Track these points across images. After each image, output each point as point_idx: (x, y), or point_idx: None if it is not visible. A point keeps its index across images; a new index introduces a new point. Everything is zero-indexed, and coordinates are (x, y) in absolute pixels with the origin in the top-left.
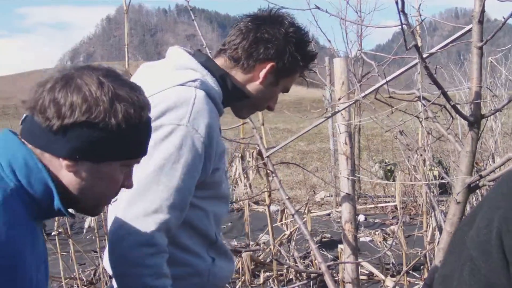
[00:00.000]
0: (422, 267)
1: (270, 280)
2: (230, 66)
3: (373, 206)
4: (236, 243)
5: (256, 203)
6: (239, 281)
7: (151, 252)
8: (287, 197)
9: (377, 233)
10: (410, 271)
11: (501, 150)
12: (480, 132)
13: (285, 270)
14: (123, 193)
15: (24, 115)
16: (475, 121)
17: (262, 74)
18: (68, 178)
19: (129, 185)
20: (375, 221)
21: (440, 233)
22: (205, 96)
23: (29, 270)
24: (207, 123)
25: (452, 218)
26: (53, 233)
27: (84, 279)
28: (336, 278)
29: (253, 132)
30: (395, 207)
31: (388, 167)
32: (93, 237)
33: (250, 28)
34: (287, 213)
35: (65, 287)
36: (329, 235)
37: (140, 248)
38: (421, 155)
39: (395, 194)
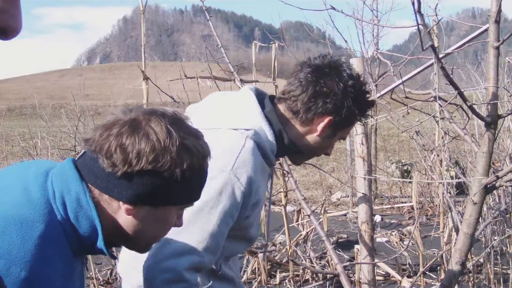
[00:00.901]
0: (438, 267)
1: (286, 281)
2: (289, 116)
3: (389, 206)
4: None
5: (273, 203)
6: (255, 281)
7: (182, 287)
8: (303, 198)
9: (393, 233)
10: (427, 272)
11: None
12: (497, 132)
13: (301, 271)
14: None
15: (83, 151)
16: (492, 122)
17: (320, 127)
18: (125, 219)
19: (179, 225)
20: (392, 222)
21: (457, 234)
22: (254, 147)
23: None
24: (249, 174)
25: (468, 219)
26: None
27: (101, 279)
28: (352, 279)
29: None
30: (412, 207)
31: (405, 167)
32: None
33: (309, 81)
34: (303, 213)
35: None
36: (345, 236)
37: (171, 285)
38: (437, 155)
39: (411, 194)
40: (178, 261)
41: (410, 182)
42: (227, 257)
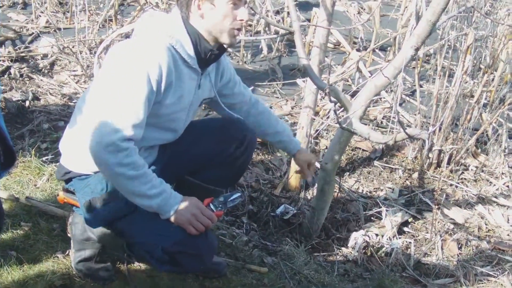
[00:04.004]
0: (388, 48)
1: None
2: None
3: None
4: None
5: None
6: None
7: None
8: None
9: (353, 5)
10: (377, 50)
11: None
12: None
13: (255, 21)
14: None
15: None
16: None
17: (200, 11)
18: None
19: None
20: None
21: (417, 20)
22: (170, 48)
23: None
24: (161, 65)
25: (435, 7)
26: None
27: None
28: (303, 41)
29: None
30: None
31: None
32: None
33: None
34: None
35: None
36: None
37: (116, 154)
38: None
39: None
40: (116, 136)
41: None
42: (150, 147)
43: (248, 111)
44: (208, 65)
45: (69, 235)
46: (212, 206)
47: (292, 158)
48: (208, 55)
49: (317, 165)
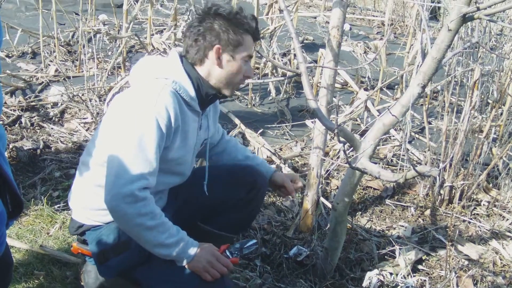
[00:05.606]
0: (396, 86)
1: None
2: (195, 65)
3: (360, 17)
4: None
5: None
6: None
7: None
8: None
9: (359, 45)
10: (384, 88)
11: None
12: None
13: (262, 64)
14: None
15: None
16: None
17: (216, 59)
18: None
19: None
20: (359, 33)
21: (423, 57)
22: (173, 91)
23: None
24: (168, 109)
25: (440, 44)
26: None
27: (62, 39)
28: (311, 82)
29: None
30: (382, 22)
31: None
32: None
33: (192, 31)
34: (275, 7)
35: (42, 44)
36: (311, 38)
37: (135, 205)
38: None
39: (384, 10)
40: (132, 186)
41: None
42: (159, 191)
43: (217, 139)
44: (208, 106)
45: (82, 283)
46: (228, 253)
47: (270, 182)
48: (209, 97)
49: (300, 184)
